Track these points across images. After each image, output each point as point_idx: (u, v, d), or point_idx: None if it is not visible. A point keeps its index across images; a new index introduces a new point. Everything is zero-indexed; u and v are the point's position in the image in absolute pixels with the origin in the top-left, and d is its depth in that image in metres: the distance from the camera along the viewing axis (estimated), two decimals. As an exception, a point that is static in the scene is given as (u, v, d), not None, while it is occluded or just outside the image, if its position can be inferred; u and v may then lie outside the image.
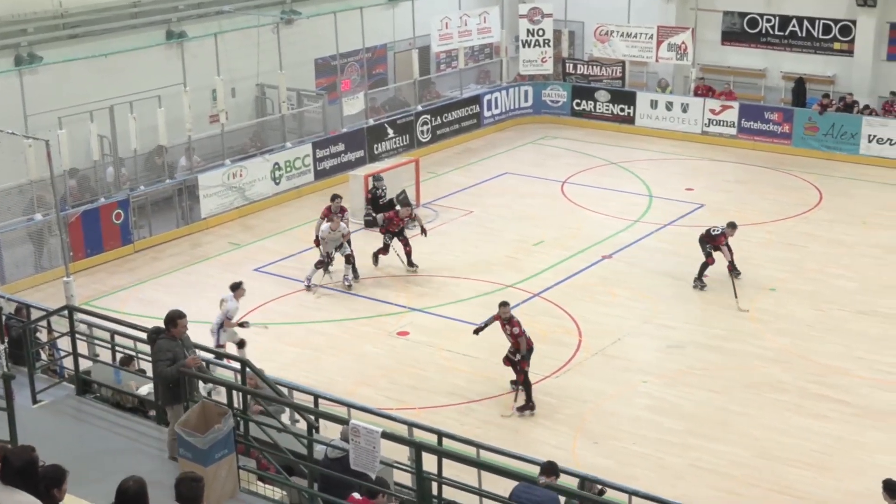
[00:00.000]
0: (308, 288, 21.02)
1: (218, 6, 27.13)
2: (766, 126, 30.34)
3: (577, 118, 33.08)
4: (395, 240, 21.73)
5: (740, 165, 28.90)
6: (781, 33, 31.96)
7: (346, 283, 21.14)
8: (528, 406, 16.31)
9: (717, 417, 16.16)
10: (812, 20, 31.37)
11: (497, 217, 24.75)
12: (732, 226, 20.82)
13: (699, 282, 20.78)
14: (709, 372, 17.55)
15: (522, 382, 16.38)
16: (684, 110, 31.43)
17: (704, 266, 20.72)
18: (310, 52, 29.03)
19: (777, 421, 16.00)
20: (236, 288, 17.37)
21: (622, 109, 32.47)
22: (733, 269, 20.56)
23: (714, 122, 31.03)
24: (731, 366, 17.72)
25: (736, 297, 19.99)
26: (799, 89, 31.09)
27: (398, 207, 22.16)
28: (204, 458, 9.69)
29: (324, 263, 21.04)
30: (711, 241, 20.61)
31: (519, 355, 16.31)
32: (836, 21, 30.97)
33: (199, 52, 25.77)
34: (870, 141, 28.83)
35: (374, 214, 23.27)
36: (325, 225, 21.03)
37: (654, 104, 31.93)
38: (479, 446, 11.62)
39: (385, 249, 21.75)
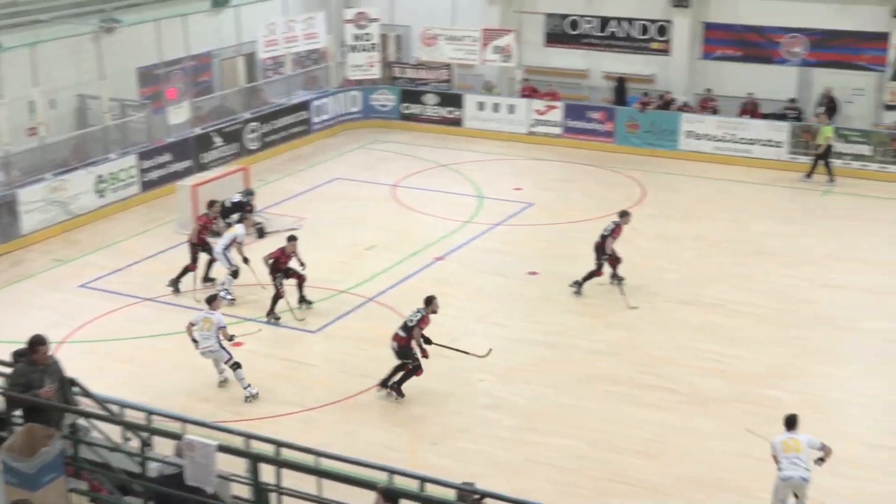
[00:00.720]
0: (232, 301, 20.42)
1: (34, 15, 26.23)
2: (589, 125, 31.14)
3: (406, 121, 33.30)
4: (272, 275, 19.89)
5: (566, 164, 29.58)
6: (602, 34, 32.85)
7: (230, 298, 20.42)
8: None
9: (552, 411, 16.48)
10: (630, 21, 32.35)
11: (329, 223, 24.69)
12: (624, 214, 20.84)
13: (577, 286, 20.62)
14: (543, 367, 17.88)
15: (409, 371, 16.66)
16: (511, 111, 31.98)
17: (592, 275, 20.53)
18: (132, 60, 28.32)
19: (610, 412, 16.41)
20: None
21: (450, 112, 32.82)
22: (615, 276, 20.88)
23: (540, 123, 31.67)
24: (565, 360, 18.10)
25: (623, 294, 20.36)
26: (620, 88, 32.03)
27: (286, 244, 19.88)
28: (32, 482, 9.38)
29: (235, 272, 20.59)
30: (606, 242, 20.45)
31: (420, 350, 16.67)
32: (653, 21, 32.02)
33: (15, 63, 24.83)
34: (688, 137, 29.90)
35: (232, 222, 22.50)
36: (242, 229, 20.79)
37: (481, 106, 32.38)
38: (317, 454, 11.52)
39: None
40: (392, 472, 10.83)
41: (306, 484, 10.83)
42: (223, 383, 17.10)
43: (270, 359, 18.28)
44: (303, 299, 20.11)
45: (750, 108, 30.00)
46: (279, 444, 11.51)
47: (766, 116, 29.84)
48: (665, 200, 26.37)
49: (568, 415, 16.36)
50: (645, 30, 32.31)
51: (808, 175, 27.78)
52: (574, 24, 33.19)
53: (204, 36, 30.09)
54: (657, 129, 30.30)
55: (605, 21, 32.69)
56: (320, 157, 30.31)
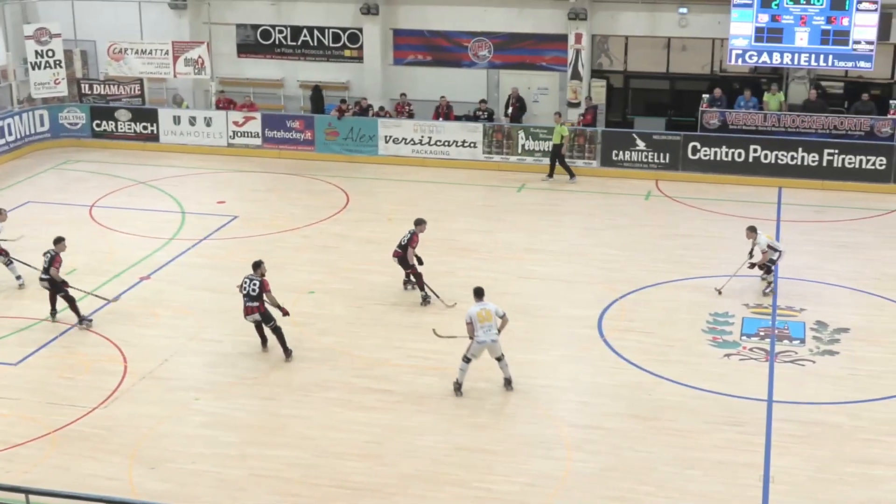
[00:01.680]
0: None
1: None
2: (289, 134, 31.16)
3: (99, 139, 32.19)
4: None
5: (268, 174, 29.47)
6: (294, 43, 32.97)
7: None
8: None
9: (271, 424, 16.36)
10: (322, 29, 32.62)
11: (24, 248, 23.40)
12: (419, 222, 20.88)
13: (424, 296, 20.65)
14: (258, 380, 17.73)
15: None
16: (208, 124, 31.52)
17: (418, 277, 20.65)
18: None
19: (328, 418, 16.47)
20: None
21: (145, 127, 31.99)
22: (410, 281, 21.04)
23: (239, 134, 31.40)
24: (280, 371, 18.02)
25: (437, 296, 20.51)
26: (316, 96, 32.23)
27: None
28: None
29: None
30: (408, 253, 20.52)
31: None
32: (344, 30, 32.45)
33: None
34: (387, 141, 30.46)
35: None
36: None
37: (177, 120, 31.74)
38: (27, 491, 11.02)
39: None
40: (110, 502, 10.49)
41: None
42: None
43: (-33, 397, 17.21)
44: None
45: (444, 111, 30.90)
46: (-16, 486, 10.92)
47: (459, 118, 30.83)
48: (368, 205, 26.76)
49: (287, 425, 16.29)
50: (337, 38, 32.68)
51: (550, 175, 28.81)
52: (266, 34, 33.12)
53: None
54: (356, 135, 30.69)
55: (296, 30, 32.82)
56: (9, 180, 28.78)
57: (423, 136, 30.30)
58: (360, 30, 32.19)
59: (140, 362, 18.24)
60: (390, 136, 30.48)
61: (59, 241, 19.97)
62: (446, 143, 30.21)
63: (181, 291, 21.41)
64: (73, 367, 18.10)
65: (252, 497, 14.25)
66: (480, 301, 16.87)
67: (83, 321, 19.61)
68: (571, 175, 28.67)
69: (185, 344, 19.06)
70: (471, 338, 16.73)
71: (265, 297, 18.13)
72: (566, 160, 28.76)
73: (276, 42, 33.09)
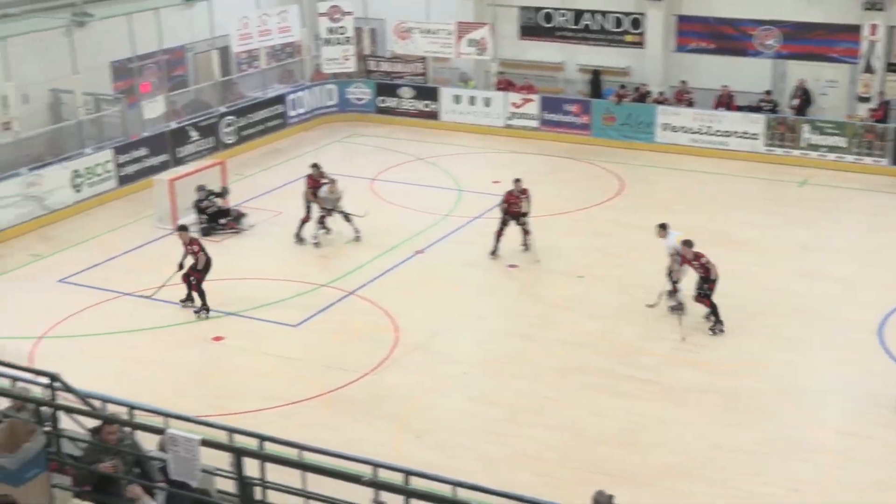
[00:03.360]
0: (316, 245, 22.97)
1: (4, 9, 26.03)
2: (566, 118, 31.19)
3: (382, 115, 33.27)
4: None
5: (543, 157, 29.62)
6: (576, 27, 32.91)
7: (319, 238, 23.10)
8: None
9: (533, 404, 16.53)
10: (604, 13, 32.42)
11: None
12: (517, 180, 21.97)
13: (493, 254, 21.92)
14: (524, 359, 17.93)
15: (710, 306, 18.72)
16: (487, 104, 31.99)
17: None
18: (105, 54, 28.20)
19: (588, 403, 16.48)
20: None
21: (426, 105, 32.81)
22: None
23: (516, 116, 31.70)
24: (545, 352, 18.14)
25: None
26: (595, 81, 32.10)
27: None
28: (15, 478, 9.33)
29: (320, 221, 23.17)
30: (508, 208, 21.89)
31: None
32: (626, 14, 32.10)
33: (-14, 57, 24.72)
34: (664, 129, 30.01)
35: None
36: (325, 188, 22.91)
37: (457, 99, 32.38)
38: (300, 447, 11.52)
39: None
40: (376, 465, 10.85)
41: (290, 478, 10.84)
42: None
43: (251, 353, 18.26)
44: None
45: (725, 101, 30.13)
46: (262, 439, 11.51)
47: (741, 108, 29.98)
48: (643, 192, 26.47)
49: (548, 406, 16.41)
50: (619, 22, 32.39)
51: None
52: (548, 17, 33.23)
53: (177, 30, 30.00)
54: (633, 121, 30.39)
55: (579, 14, 32.75)
56: (297, 151, 30.22)
57: (702, 126, 29.66)
58: (643, 15, 31.79)
59: (411, 333, 18.81)
60: (668, 124, 30.00)
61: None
62: (726, 134, 29.45)
63: (454, 267, 21.88)
64: (348, 333, 18.88)
65: (510, 475, 14.43)
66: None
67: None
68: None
69: (456, 319, 19.49)
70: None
71: None
72: None
73: (558, 25, 33.15)
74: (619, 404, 16.41)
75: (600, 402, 16.49)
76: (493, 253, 21.88)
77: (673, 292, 19.32)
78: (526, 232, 22.01)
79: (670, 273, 19.35)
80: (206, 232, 23.31)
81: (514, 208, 21.87)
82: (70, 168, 25.22)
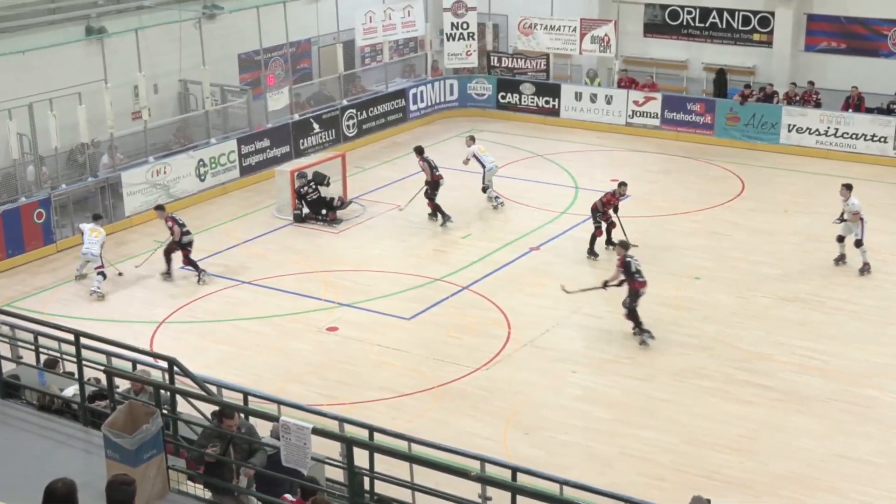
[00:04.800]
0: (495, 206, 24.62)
1: (138, 1, 26.77)
2: (688, 117, 30.74)
3: (502, 111, 33.22)
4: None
5: (664, 156, 29.25)
6: (702, 25, 32.40)
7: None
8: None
9: (644, 405, 16.36)
10: (732, 12, 31.85)
11: (424, 211, 24.74)
12: (623, 185, 22.21)
13: (591, 254, 21.88)
14: (636, 360, 17.76)
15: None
16: (608, 102, 31.71)
17: (593, 238, 21.88)
18: (233, 47, 28.81)
19: (703, 407, 16.24)
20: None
21: (547, 102, 32.67)
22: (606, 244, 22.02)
23: (637, 114, 31.36)
24: (658, 354, 17.94)
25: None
26: (720, 80, 31.55)
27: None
28: (132, 458, 9.58)
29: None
30: (604, 207, 21.79)
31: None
32: (755, 13, 31.48)
33: (119, 48, 25.40)
34: (790, 130, 29.36)
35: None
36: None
37: (578, 96, 32.18)
38: (409, 440, 11.63)
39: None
40: (484, 460, 10.88)
41: (398, 469, 10.95)
42: None
43: (364, 344, 18.45)
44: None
45: (854, 102, 29.33)
46: (373, 430, 11.64)
47: (871, 111, 29.14)
48: (764, 194, 25.92)
49: (660, 408, 16.23)
50: (747, 21, 31.78)
51: None
52: (674, 15, 32.78)
53: (303, 23, 30.45)
54: (758, 121, 29.80)
55: (705, 12, 32.23)
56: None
57: (829, 127, 28.91)
58: (772, 13, 31.13)
59: (523, 329, 18.79)
60: (794, 125, 29.33)
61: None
62: (854, 136, 28.66)
63: (568, 265, 21.77)
64: (460, 328, 18.95)
65: (619, 474, 14.32)
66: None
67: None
68: None
69: (568, 317, 19.40)
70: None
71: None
72: None
73: (684, 23, 32.67)
74: (735, 409, 16.14)
75: (715, 406, 16.24)
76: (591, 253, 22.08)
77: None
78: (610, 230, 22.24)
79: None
80: (302, 219, 23.70)
81: (607, 209, 22.00)
82: (196, 157, 25.83)
